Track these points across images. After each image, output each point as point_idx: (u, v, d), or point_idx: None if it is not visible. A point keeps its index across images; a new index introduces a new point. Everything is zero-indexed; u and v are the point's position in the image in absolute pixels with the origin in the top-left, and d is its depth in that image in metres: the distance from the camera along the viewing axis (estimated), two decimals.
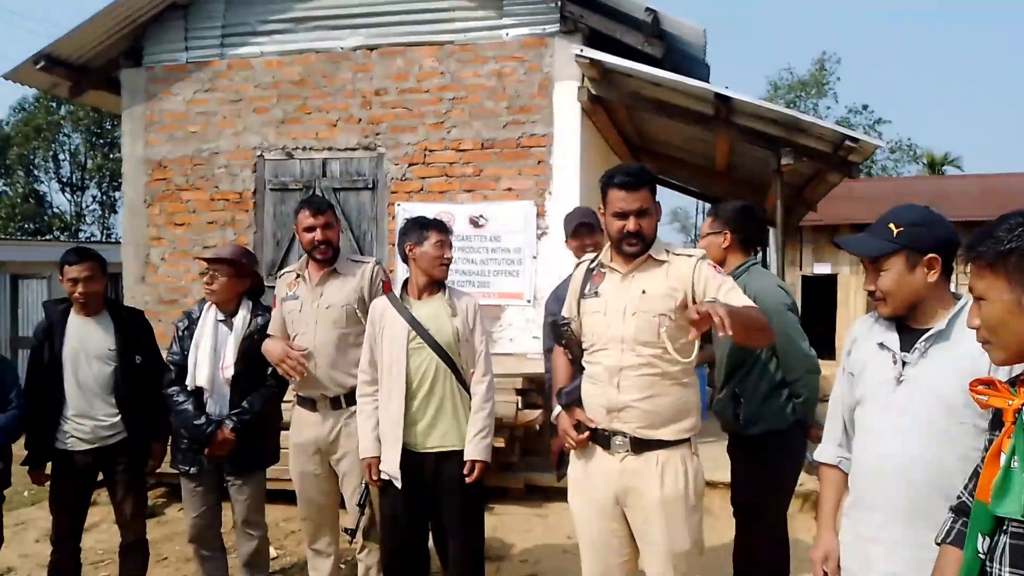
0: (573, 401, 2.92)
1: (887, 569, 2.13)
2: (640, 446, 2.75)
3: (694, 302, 2.70)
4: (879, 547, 2.16)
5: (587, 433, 2.85)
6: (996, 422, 1.68)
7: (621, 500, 2.81)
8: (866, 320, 2.39)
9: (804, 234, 14.90)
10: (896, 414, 2.15)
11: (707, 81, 6.61)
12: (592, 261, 2.99)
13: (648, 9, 6.05)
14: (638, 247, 2.78)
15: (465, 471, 3.31)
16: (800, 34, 67.53)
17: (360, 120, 6.98)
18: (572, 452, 2.95)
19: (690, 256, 2.81)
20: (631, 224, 2.75)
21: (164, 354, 3.90)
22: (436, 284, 3.47)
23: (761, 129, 6.22)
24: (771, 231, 10.79)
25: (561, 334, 2.99)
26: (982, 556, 1.59)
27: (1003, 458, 1.56)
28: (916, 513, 2.08)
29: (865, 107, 29.93)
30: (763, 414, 3.40)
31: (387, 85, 6.92)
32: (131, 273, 7.58)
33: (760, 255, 12.77)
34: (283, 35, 7.17)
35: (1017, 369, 1.72)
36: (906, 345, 2.19)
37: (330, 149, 7.06)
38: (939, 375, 2.08)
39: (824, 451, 2.45)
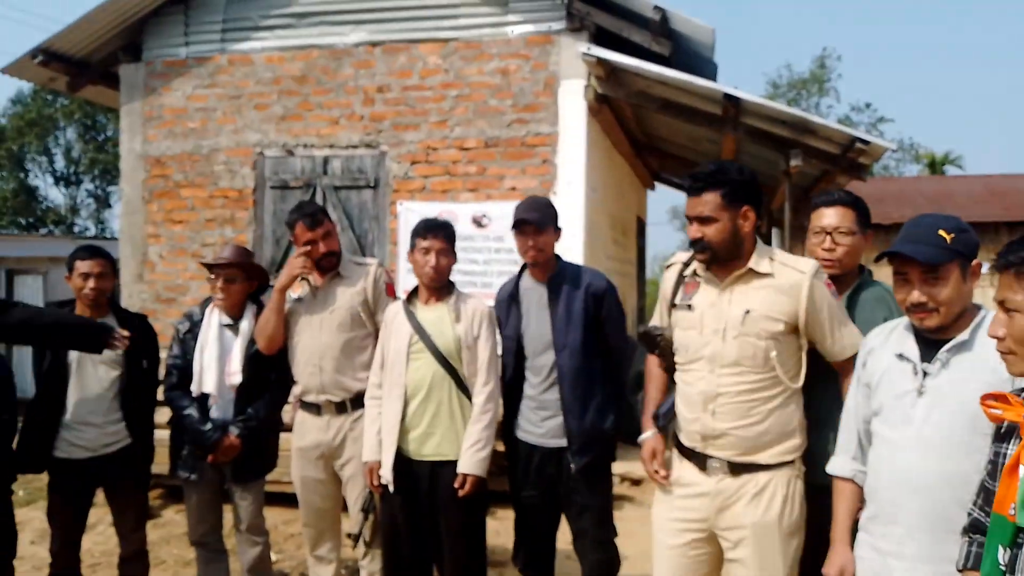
0: (668, 423, 2.76)
1: None
2: (738, 469, 2.56)
3: (806, 325, 2.53)
4: (900, 562, 2.12)
5: (667, 477, 2.71)
6: (1003, 435, 1.69)
7: (713, 523, 2.61)
8: (882, 330, 2.33)
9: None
10: (918, 426, 2.10)
11: (715, 80, 6.53)
12: (685, 266, 2.73)
13: (656, 7, 5.97)
14: (705, 256, 2.58)
15: (456, 484, 3.21)
16: (798, 31, 67.57)
17: (362, 117, 6.89)
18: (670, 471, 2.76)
19: (802, 271, 2.54)
20: (692, 230, 2.57)
21: (163, 356, 3.82)
22: (442, 288, 3.40)
23: (770, 130, 6.14)
24: (775, 232, 10.76)
25: (655, 343, 2.80)
26: (1003, 567, 1.58)
27: (1022, 470, 1.55)
28: (938, 527, 2.04)
29: (868, 105, 29.90)
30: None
31: (390, 82, 6.83)
32: (128, 271, 7.49)
33: None
34: (284, 30, 7.08)
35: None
36: (926, 356, 2.14)
37: (331, 147, 6.98)
38: (963, 386, 2.03)
39: (839, 464, 2.39)
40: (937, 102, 63.23)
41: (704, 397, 2.58)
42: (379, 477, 3.33)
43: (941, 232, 2.11)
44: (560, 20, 6.43)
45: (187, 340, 3.74)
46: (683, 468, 2.70)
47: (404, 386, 3.27)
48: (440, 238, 3.32)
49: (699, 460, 2.64)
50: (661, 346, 2.78)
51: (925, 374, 2.11)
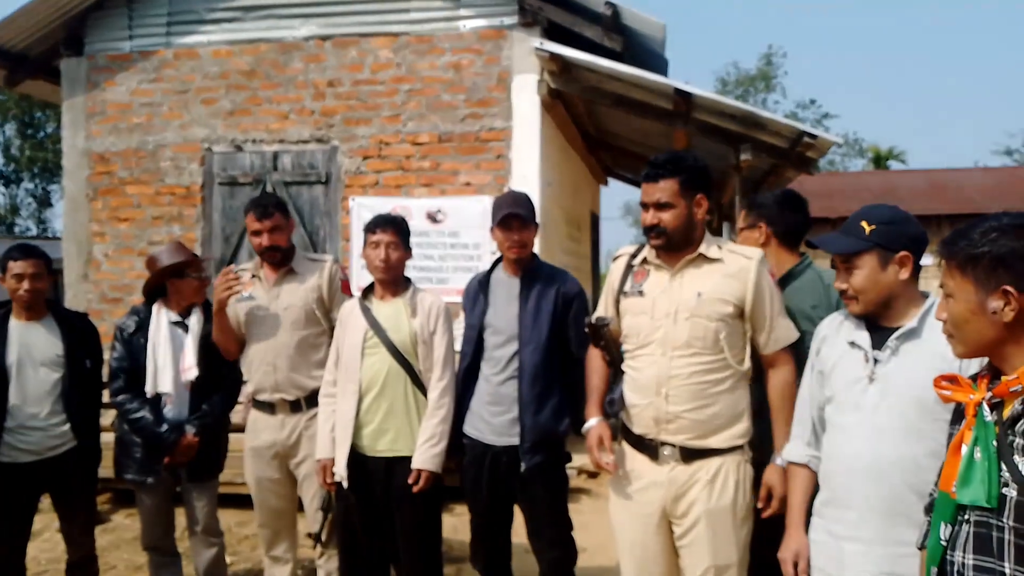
0: (617, 412, 2.78)
1: (862, 568, 2.13)
2: (690, 455, 2.61)
3: (751, 310, 2.60)
4: (854, 545, 2.16)
5: (614, 464, 2.72)
6: (958, 416, 1.73)
7: (669, 511, 2.65)
8: (835, 318, 2.38)
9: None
10: (868, 412, 2.15)
11: (666, 76, 6.58)
12: (633, 256, 2.80)
13: (608, 3, 5.99)
14: (660, 241, 2.63)
15: (410, 479, 3.19)
16: (746, 29, 68.63)
17: (313, 112, 6.81)
18: (618, 463, 2.78)
19: (749, 257, 2.64)
20: (648, 216, 2.63)
21: (105, 356, 3.73)
22: (398, 284, 3.38)
23: (720, 125, 6.21)
24: (725, 226, 10.91)
25: (600, 335, 2.82)
26: (944, 543, 1.64)
27: (964, 449, 1.61)
28: (891, 511, 2.09)
29: (813, 102, 30.57)
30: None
31: (341, 76, 6.76)
32: (73, 270, 7.29)
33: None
34: (232, 24, 6.96)
35: (978, 364, 1.79)
36: (877, 343, 2.19)
37: (281, 142, 6.88)
38: (911, 372, 2.09)
39: (793, 450, 2.44)
40: (881, 98, 64.78)
41: (656, 381, 2.62)
42: (332, 475, 3.30)
43: (863, 223, 2.19)
44: (512, 15, 6.43)
45: (133, 340, 3.66)
46: (635, 461, 2.73)
47: (359, 382, 3.25)
48: (390, 232, 3.29)
49: (651, 450, 2.67)
50: (606, 338, 2.81)
51: (876, 361, 2.16)
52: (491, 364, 3.29)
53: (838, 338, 2.29)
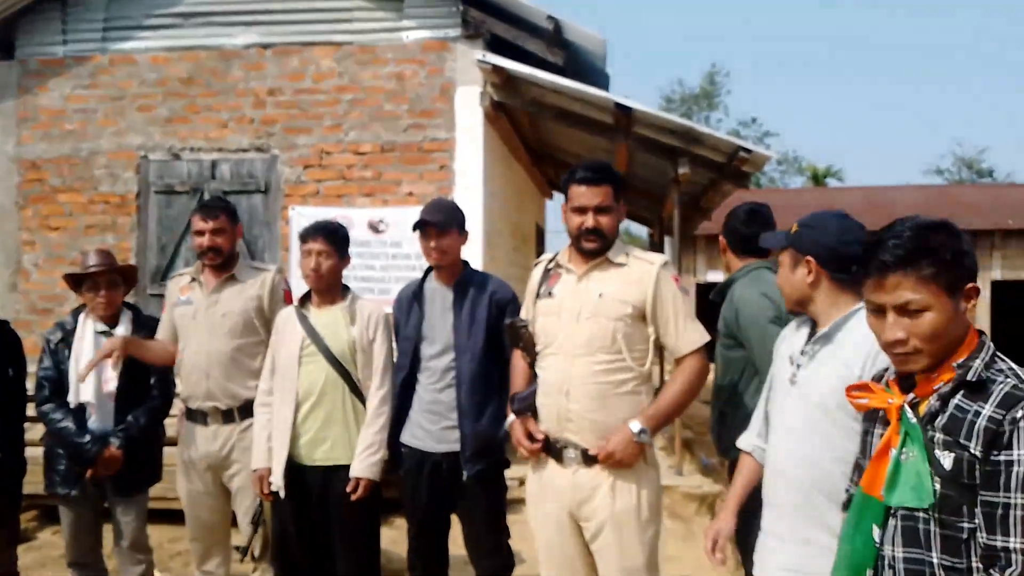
0: (526, 408, 2.82)
1: (775, 562, 2.22)
2: (591, 459, 2.65)
3: (652, 313, 2.68)
4: (772, 541, 2.25)
5: (539, 443, 2.74)
6: (871, 420, 1.77)
7: (575, 514, 2.71)
8: (794, 322, 2.43)
9: (699, 243, 15.35)
10: (787, 414, 2.22)
11: (607, 91, 6.67)
12: (550, 261, 2.89)
13: (550, 17, 6.07)
14: (597, 244, 2.70)
15: (349, 488, 3.16)
16: (692, 48, 70.01)
17: (252, 120, 6.73)
18: (529, 465, 2.85)
19: (651, 263, 2.72)
20: (590, 220, 2.68)
21: (32, 368, 3.61)
22: (333, 292, 3.35)
23: (659, 139, 6.31)
24: (667, 239, 11.06)
25: (518, 336, 2.88)
26: (877, 544, 1.67)
27: (893, 452, 1.64)
28: (800, 511, 2.16)
29: (754, 120, 31.25)
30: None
31: (281, 85, 6.70)
32: (0, 280, 7.06)
33: None
34: (169, 30, 6.86)
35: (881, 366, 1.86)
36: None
37: (220, 150, 6.78)
38: (819, 378, 2.14)
39: (743, 439, 2.51)
40: (821, 118, 66.59)
41: (560, 380, 2.69)
42: (269, 485, 3.24)
43: (795, 224, 2.25)
44: (456, 27, 6.46)
45: (59, 350, 3.57)
46: (544, 464, 2.79)
47: (296, 391, 3.20)
48: (320, 240, 3.25)
49: (556, 452, 2.73)
50: (525, 339, 2.86)
51: (798, 366, 2.21)
52: (428, 374, 3.28)
53: (785, 341, 2.36)
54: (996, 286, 15.12)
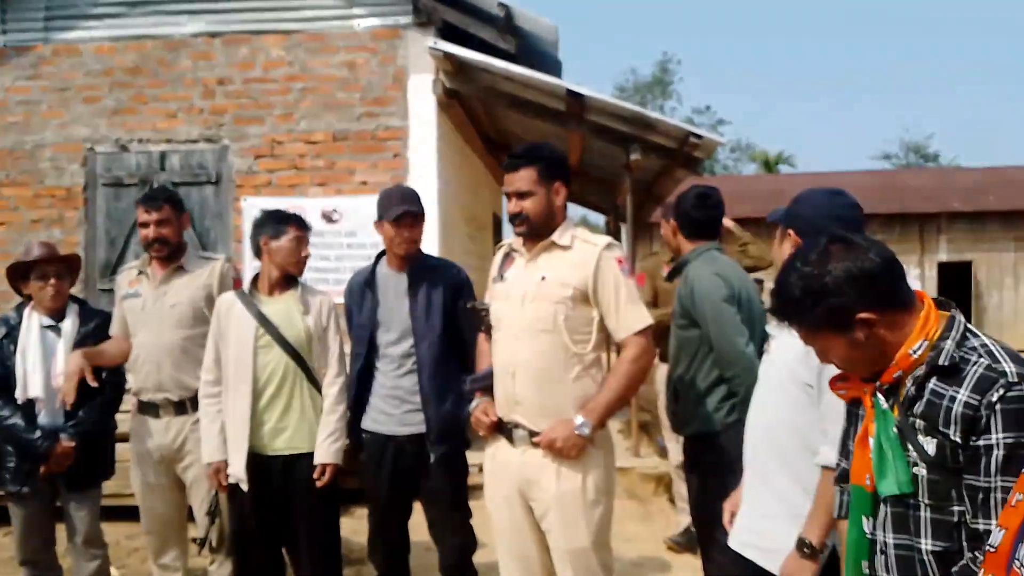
0: (479, 388, 2.87)
1: (739, 522, 2.39)
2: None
3: (594, 295, 2.70)
4: (744, 504, 2.40)
5: (493, 421, 2.80)
6: (857, 406, 1.76)
7: (524, 493, 2.75)
8: None
9: (655, 229, 15.44)
10: (760, 386, 2.36)
11: (560, 78, 6.70)
12: (510, 246, 2.93)
13: (501, 4, 6.07)
14: (524, 228, 2.75)
15: (315, 475, 3.19)
16: (645, 37, 70.39)
17: (202, 111, 6.63)
18: (486, 448, 2.90)
19: (595, 244, 2.74)
20: (512, 206, 2.74)
21: None
22: (288, 280, 3.34)
23: (611, 126, 6.37)
24: (623, 226, 11.15)
25: (479, 319, 2.92)
26: (870, 537, 1.69)
27: (872, 442, 1.64)
28: (757, 478, 2.31)
29: (707, 108, 31.55)
30: (696, 414, 3.12)
31: (231, 74, 6.61)
32: None
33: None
34: (115, 19, 6.71)
35: None
36: None
37: (169, 141, 6.67)
38: (780, 350, 2.25)
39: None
40: (773, 105, 67.51)
41: (507, 363, 2.74)
42: (227, 477, 3.22)
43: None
44: (407, 14, 6.43)
45: (3, 346, 3.50)
46: (498, 445, 2.84)
47: (252, 381, 3.19)
48: (306, 230, 3.36)
49: (507, 432, 2.78)
50: (485, 322, 2.91)
51: (773, 338, 2.35)
52: (387, 361, 3.29)
53: None
54: (942, 267, 15.51)
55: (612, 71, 47.59)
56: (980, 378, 1.52)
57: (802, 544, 1.98)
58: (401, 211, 3.21)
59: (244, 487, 3.19)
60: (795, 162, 30.63)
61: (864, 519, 1.70)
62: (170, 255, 3.51)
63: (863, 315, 1.58)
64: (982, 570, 1.39)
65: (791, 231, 2.25)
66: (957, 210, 15.62)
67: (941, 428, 1.54)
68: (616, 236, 11.65)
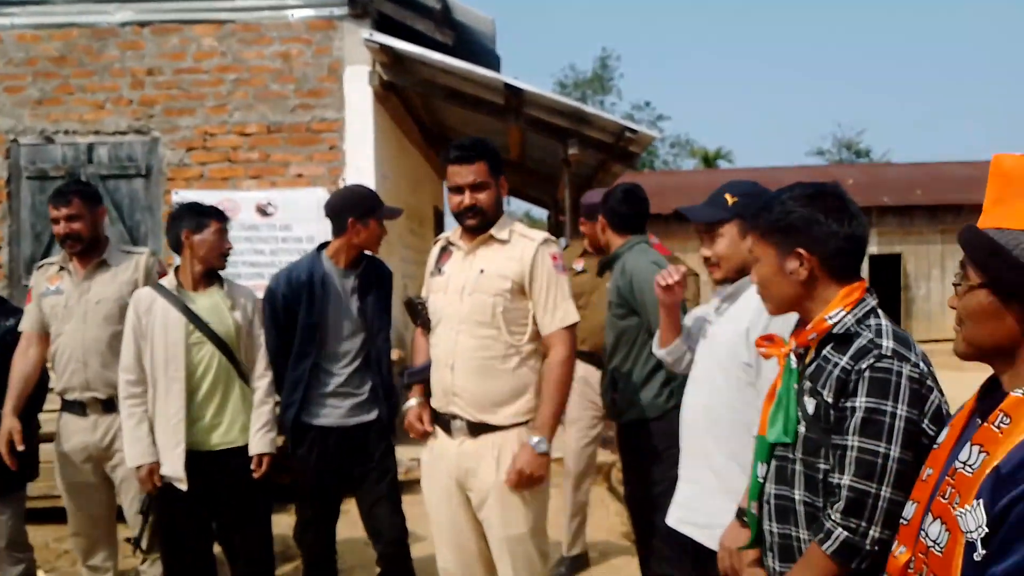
0: (416, 381, 2.90)
1: (676, 500, 2.47)
2: (476, 429, 2.73)
3: (529, 288, 2.74)
4: (679, 482, 2.49)
5: (427, 428, 2.86)
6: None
7: (462, 484, 2.78)
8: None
9: None
10: (697, 367, 2.44)
11: (498, 71, 6.71)
12: (447, 239, 2.94)
13: None
14: (477, 220, 2.75)
15: (253, 466, 3.21)
16: (584, 32, 70.82)
17: (131, 102, 6.47)
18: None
19: (532, 240, 2.77)
20: (467, 198, 2.73)
21: None
22: (211, 274, 3.31)
23: (549, 120, 6.41)
24: (563, 220, 11.22)
25: (416, 313, 2.93)
26: (761, 480, 1.83)
27: (778, 394, 1.79)
28: (694, 453, 2.39)
29: (647, 103, 31.89)
30: (636, 400, 3.24)
31: (161, 64, 6.46)
32: None
33: None
34: (38, 7, 6.49)
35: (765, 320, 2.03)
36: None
37: (97, 133, 6.48)
38: (721, 332, 2.34)
39: None
40: (713, 101, 68.62)
41: (446, 355, 2.76)
42: (160, 478, 3.16)
43: (726, 195, 2.37)
44: (342, 5, 6.35)
45: None
46: (437, 436, 2.87)
47: (184, 379, 3.15)
48: (227, 223, 3.35)
49: (444, 423, 2.81)
50: (423, 315, 2.92)
51: (710, 323, 2.43)
52: (335, 358, 3.29)
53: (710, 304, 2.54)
54: (872, 260, 15.97)
55: (552, 67, 47.91)
56: (860, 348, 1.65)
57: (741, 514, 2.06)
58: (395, 210, 3.27)
59: (183, 486, 3.14)
60: (733, 158, 31.19)
61: (760, 465, 1.84)
62: (85, 250, 3.44)
63: (803, 251, 1.74)
64: (896, 541, 1.45)
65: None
66: (887, 204, 16.08)
67: (819, 388, 1.68)
68: (559, 230, 11.73)
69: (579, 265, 4.35)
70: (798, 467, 1.73)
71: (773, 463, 1.80)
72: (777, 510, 1.78)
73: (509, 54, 58.93)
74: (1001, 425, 1.22)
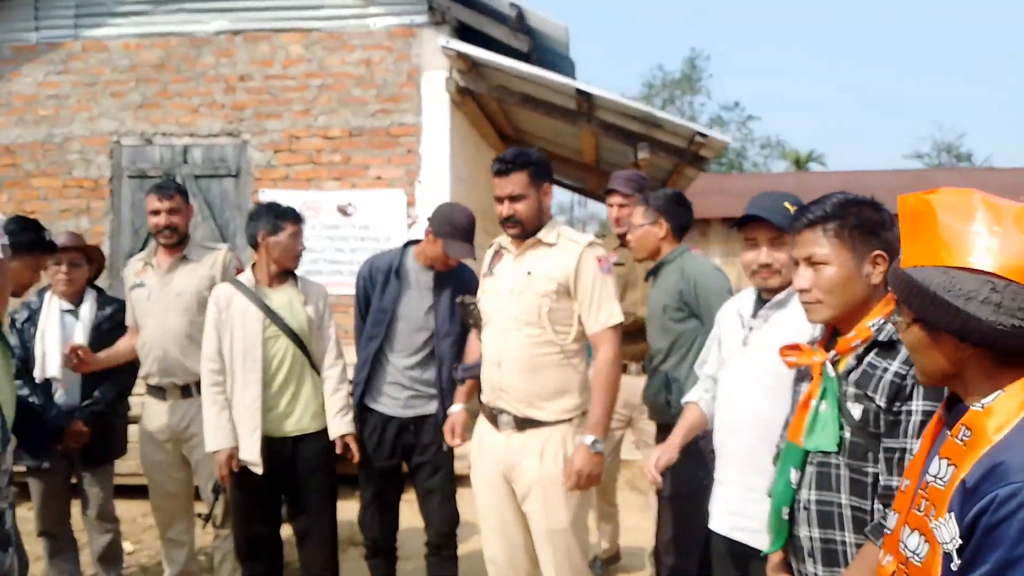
0: (468, 376, 3.05)
1: (722, 507, 2.45)
2: (522, 424, 2.84)
3: (574, 289, 2.82)
4: (721, 489, 2.47)
5: (458, 440, 3.06)
6: (801, 377, 1.97)
7: (508, 477, 2.89)
8: (739, 294, 2.63)
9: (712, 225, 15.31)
10: (737, 373, 2.41)
11: (572, 77, 6.80)
12: (499, 243, 3.07)
13: (512, 4, 6.18)
14: (516, 230, 2.87)
15: (338, 450, 3.40)
16: (671, 34, 69.82)
17: (223, 106, 6.84)
18: (473, 433, 3.07)
19: (578, 243, 2.86)
20: (505, 209, 2.85)
21: None
22: (287, 272, 3.50)
23: (621, 124, 6.45)
24: None
25: (468, 314, 3.07)
26: (794, 486, 1.86)
27: (812, 403, 1.82)
28: (746, 463, 2.36)
29: (736, 104, 31.25)
30: None
31: (251, 71, 6.81)
32: None
33: None
34: (141, 17, 6.94)
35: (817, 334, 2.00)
36: (757, 313, 2.44)
37: (192, 135, 6.89)
38: (774, 339, 2.28)
39: (689, 394, 2.72)
40: (804, 102, 66.70)
41: (495, 353, 2.88)
42: (238, 463, 3.34)
43: (786, 205, 2.37)
44: (422, 14, 6.57)
45: (25, 329, 3.69)
46: (484, 428, 3.00)
47: (261, 370, 3.33)
48: (301, 223, 3.49)
49: (492, 417, 2.93)
50: (474, 316, 3.05)
51: (751, 328, 2.41)
52: (403, 348, 3.45)
53: (732, 309, 2.56)
54: None
55: (640, 68, 47.40)
56: None
57: None
58: (459, 250, 3.34)
59: (259, 471, 3.32)
60: (825, 161, 30.30)
61: (792, 471, 1.86)
62: (176, 244, 3.68)
63: (883, 253, 1.78)
64: (882, 550, 1.51)
65: None
66: None
67: (869, 393, 1.71)
68: None
69: (613, 258, 4.38)
70: (843, 472, 1.76)
71: (810, 469, 1.83)
72: (819, 516, 1.81)
73: (595, 57, 58.64)
74: (964, 438, 1.26)
